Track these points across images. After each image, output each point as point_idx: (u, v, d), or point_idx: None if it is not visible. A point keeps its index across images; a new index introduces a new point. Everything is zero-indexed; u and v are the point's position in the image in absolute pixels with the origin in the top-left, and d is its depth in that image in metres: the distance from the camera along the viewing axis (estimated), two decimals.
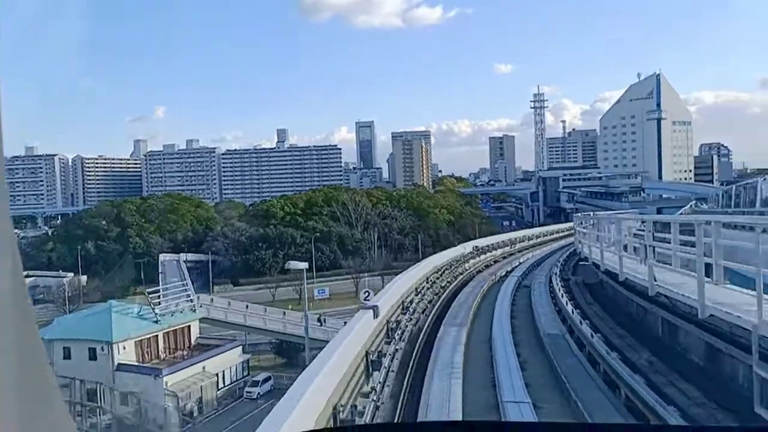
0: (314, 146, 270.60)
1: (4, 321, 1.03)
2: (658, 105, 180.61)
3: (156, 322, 46.99)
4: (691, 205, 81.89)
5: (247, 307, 61.94)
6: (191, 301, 54.20)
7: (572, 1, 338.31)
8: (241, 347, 56.69)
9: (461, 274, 29.28)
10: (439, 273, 25.91)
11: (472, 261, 32.62)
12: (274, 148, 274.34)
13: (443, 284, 25.54)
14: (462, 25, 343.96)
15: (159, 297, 51.58)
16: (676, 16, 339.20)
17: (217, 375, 49.89)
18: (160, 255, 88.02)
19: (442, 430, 2.78)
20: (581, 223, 23.07)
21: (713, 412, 8.30)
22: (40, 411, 1.13)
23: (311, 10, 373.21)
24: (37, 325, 1.31)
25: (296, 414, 5.61)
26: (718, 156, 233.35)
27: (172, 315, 49.89)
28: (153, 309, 47.27)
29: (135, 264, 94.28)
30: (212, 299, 61.94)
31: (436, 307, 22.65)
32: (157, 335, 46.92)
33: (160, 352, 47.41)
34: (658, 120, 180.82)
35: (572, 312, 16.22)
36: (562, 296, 19.03)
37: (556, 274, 24.05)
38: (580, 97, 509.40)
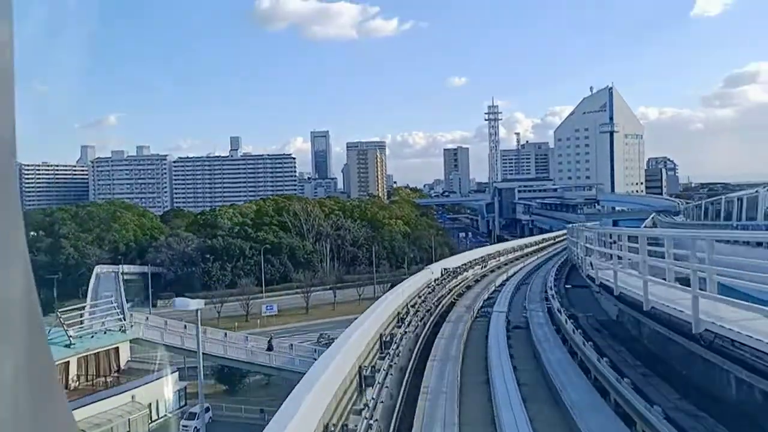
0: (268, 155, 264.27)
1: (17, 325, 1.07)
2: (611, 118, 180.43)
3: (68, 345, 40.46)
4: (652, 218, 79.72)
5: (185, 327, 55.83)
6: (121, 319, 47.92)
7: (524, 16, 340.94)
8: (177, 373, 50.39)
9: (430, 313, 20.40)
10: (403, 316, 17.46)
11: (440, 290, 25.11)
12: (228, 156, 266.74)
13: (409, 345, 16.33)
14: (417, 38, 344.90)
15: (80, 316, 45.32)
16: (623, 35, 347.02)
17: (149, 405, 43.86)
18: (96, 267, 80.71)
19: None
20: (584, 238, 17.77)
21: None
22: (49, 412, 1.17)
23: (267, 19, 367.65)
24: (45, 330, 1.26)
25: None
26: (666, 169, 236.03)
27: (93, 336, 43.62)
28: (66, 330, 40.79)
29: (65, 278, 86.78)
30: (147, 317, 55.54)
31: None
32: (67, 361, 40.28)
33: (70, 381, 40.83)
34: (611, 133, 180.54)
35: (617, 382, 10.38)
36: (586, 348, 12.60)
37: (557, 308, 18.09)
38: (531, 111, 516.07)
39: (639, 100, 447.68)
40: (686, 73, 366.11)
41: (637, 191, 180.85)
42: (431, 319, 19.19)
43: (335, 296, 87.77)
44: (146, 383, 44.36)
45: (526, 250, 52.25)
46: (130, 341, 47.90)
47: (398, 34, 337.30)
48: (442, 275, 23.48)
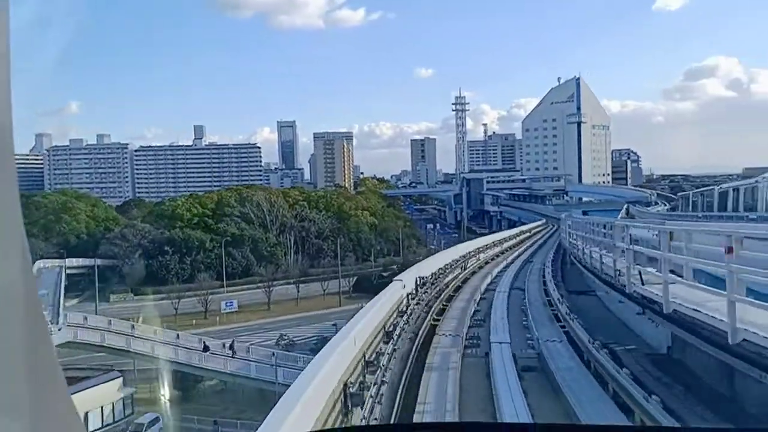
0: (233, 145, 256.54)
1: (16, 317, 1.08)
2: (579, 108, 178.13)
3: None
4: (626, 209, 77.26)
5: (132, 327, 50.72)
6: (51, 321, 42.57)
7: (490, 8, 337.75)
8: (121, 378, 45.13)
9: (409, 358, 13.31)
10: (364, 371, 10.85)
11: (417, 310, 17.26)
12: (191, 145, 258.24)
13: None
14: (384, 29, 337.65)
15: None
16: (587, 28, 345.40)
17: (86, 415, 38.63)
18: (38, 262, 74.32)
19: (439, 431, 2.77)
20: (622, 238, 12.14)
21: None
22: (50, 403, 1.20)
23: (232, 7, 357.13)
24: (47, 321, 1.29)
25: None
26: (630, 161, 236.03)
27: None
28: None
29: None
30: (86, 317, 50.15)
31: None
32: None
33: None
34: (579, 123, 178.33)
35: None
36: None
37: (587, 340, 12.43)
38: (497, 103, 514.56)
39: (602, 92, 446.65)
40: (648, 67, 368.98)
41: (604, 182, 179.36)
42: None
43: (298, 291, 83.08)
44: (81, 390, 38.79)
45: (505, 245, 48.21)
46: (59, 346, 42.34)
47: (365, 24, 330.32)
48: (417, 287, 17.18)
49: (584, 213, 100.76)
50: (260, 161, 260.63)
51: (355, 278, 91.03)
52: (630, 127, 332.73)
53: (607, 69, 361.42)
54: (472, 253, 33.32)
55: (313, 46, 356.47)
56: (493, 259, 38.95)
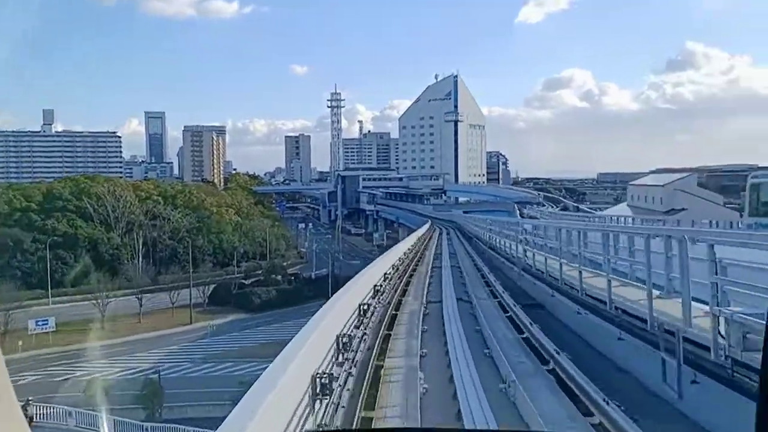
0: (89, 132, 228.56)
1: None
2: (456, 107, 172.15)
3: None
4: (516, 207, 71.13)
5: None
6: None
7: (366, 8, 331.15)
8: None
9: None
10: None
11: None
12: (39, 131, 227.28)
13: None
14: (258, 23, 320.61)
15: None
16: (459, 36, 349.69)
17: None
18: None
19: None
20: None
21: None
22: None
23: None
24: None
25: None
26: (500, 163, 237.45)
27: None
28: None
29: None
30: None
31: None
32: None
33: None
34: (456, 122, 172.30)
35: None
36: None
37: None
38: (372, 104, 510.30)
39: None
40: (511, 76, 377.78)
41: (480, 182, 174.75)
42: None
43: (141, 304, 67.34)
44: None
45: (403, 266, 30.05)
46: None
47: (239, 17, 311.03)
48: None
49: (465, 213, 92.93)
50: (120, 151, 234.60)
51: (212, 287, 76.53)
52: (497, 131, 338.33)
53: (476, 77, 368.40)
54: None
55: (185, 37, 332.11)
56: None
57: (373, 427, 7.28)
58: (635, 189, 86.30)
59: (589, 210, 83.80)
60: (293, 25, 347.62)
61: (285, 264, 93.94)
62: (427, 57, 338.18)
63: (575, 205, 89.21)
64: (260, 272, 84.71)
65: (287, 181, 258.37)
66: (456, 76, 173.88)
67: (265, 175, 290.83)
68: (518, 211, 72.35)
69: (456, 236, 52.15)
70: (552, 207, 70.74)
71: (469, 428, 7.09)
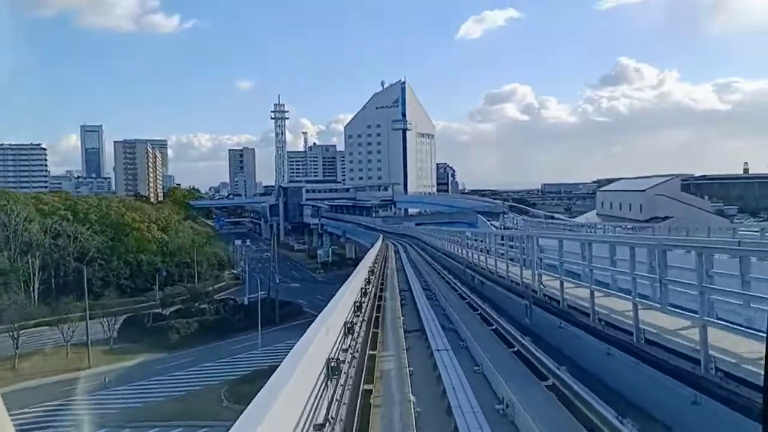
0: (10, 145, 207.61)
1: None
2: (404, 115, 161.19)
3: None
4: (479, 217, 60.48)
5: None
6: None
7: (311, 24, 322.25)
8: None
9: None
10: None
11: None
12: None
13: None
14: (200, 38, 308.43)
15: None
16: (402, 51, 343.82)
17: None
18: None
19: None
20: None
21: None
22: None
23: (32, 2, 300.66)
24: None
25: None
26: (448, 174, 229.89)
27: None
28: None
29: None
30: None
31: None
32: None
33: None
34: (404, 130, 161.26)
35: None
36: None
37: None
38: (317, 119, 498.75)
39: None
40: (454, 90, 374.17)
41: (430, 192, 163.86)
42: None
43: (17, 345, 52.25)
44: None
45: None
46: None
47: (180, 32, 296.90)
48: None
49: (417, 225, 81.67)
50: (45, 165, 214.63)
51: (123, 318, 62.14)
52: (442, 143, 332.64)
53: (420, 91, 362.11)
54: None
55: (125, 51, 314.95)
56: None
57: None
58: (607, 195, 77.01)
59: (562, 218, 73.69)
60: (236, 40, 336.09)
61: (213, 288, 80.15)
62: (372, 71, 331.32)
63: (549, 213, 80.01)
64: (182, 298, 70.49)
65: (231, 196, 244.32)
66: (404, 83, 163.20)
67: (209, 189, 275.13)
68: (488, 223, 61.46)
69: (420, 257, 39.61)
70: (525, 217, 60.56)
71: None
